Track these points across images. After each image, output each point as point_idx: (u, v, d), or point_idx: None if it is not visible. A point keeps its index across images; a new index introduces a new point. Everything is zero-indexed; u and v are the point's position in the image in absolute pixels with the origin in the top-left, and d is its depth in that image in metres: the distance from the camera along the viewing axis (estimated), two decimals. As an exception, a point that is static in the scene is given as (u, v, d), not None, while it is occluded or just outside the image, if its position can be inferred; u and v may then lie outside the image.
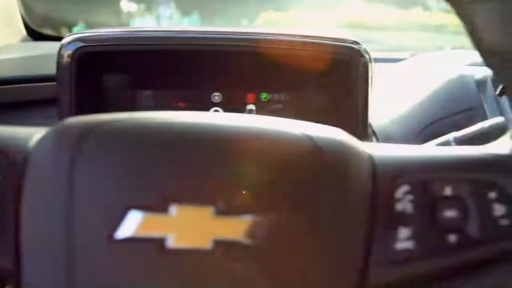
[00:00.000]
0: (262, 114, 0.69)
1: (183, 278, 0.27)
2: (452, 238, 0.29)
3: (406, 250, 0.29)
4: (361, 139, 0.63)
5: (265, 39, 0.66)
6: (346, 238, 0.28)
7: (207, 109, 0.69)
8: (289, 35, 0.66)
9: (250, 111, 0.69)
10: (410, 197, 0.30)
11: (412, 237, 0.29)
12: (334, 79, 0.65)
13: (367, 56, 0.63)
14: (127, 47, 0.64)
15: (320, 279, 0.28)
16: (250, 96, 0.69)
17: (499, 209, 0.30)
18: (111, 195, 0.27)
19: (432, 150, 0.33)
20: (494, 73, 0.33)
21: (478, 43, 0.32)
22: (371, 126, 0.67)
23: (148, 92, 0.69)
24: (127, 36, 0.65)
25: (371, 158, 0.31)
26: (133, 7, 3.02)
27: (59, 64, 0.62)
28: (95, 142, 0.28)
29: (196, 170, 0.28)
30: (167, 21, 2.49)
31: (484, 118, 0.62)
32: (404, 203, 0.30)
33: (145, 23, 2.82)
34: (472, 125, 0.63)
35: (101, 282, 0.26)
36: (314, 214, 0.28)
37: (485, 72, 0.69)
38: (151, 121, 0.29)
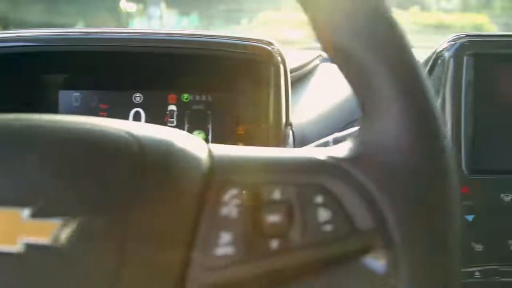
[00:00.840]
0: (183, 115, 0.69)
1: None
2: (274, 243, 0.29)
3: (226, 256, 0.28)
4: (274, 139, 0.63)
5: (181, 40, 0.65)
6: (164, 241, 0.28)
7: (129, 110, 0.69)
8: (204, 35, 0.65)
9: (172, 112, 0.69)
10: (236, 201, 0.29)
11: (233, 243, 0.28)
12: (248, 79, 0.64)
13: (279, 57, 0.62)
14: (41, 48, 0.64)
15: (134, 283, 0.27)
16: (171, 97, 0.69)
17: (323, 214, 0.29)
18: None
19: (268, 151, 0.32)
20: (338, 68, 0.33)
21: (321, 39, 0.31)
22: (291, 126, 0.66)
23: (71, 93, 0.69)
24: (42, 37, 0.65)
25: (208, 161, 0.30)
26: (131, 7, 3.04)
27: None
28: None
29: (7, 172, 0.27)
30: (157, 21, 2.51)
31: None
32: (230, 207, 0.29)
33: (144, 23, 2.84)
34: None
35: None
36: (130, 215, 0.27)
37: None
38: None
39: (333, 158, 0.31)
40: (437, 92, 0.60)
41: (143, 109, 0.69)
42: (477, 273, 0.55)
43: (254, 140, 0.66)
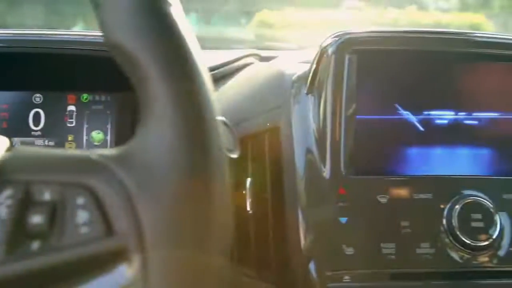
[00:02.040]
0: (83, 115, 0.69)
1: None
2: (35, 245, 0.29)
3: None
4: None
5: (72, 41, 0.65)
6: None
7: (29, 111, 0.69)
8: (94, 36, 0.65)
9: (71, 112, 0.69)
10: (9, 201, 0.29)
11: None
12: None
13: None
14: None
15: None
16: (71, 97, 0.69)
17: (82, 215, 0.29)
18: None
19: (56, 152, 0.32)
20: (121, 65, 0.33)
21: (104, 37, 0.31)
22: None
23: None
24: None
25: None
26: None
27: None
28: None
29: None
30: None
31: (288, 117, 0.60)
32: (2, 207, 0.29)
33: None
34: (280, 124, 0.61)
35: None
36: None
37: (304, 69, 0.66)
38: None
39: (102, 157, 0.31)
40: (321, 90, 0.58)
41: (43, 110, 0.69)
42: (346, 277, 0.54)
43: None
